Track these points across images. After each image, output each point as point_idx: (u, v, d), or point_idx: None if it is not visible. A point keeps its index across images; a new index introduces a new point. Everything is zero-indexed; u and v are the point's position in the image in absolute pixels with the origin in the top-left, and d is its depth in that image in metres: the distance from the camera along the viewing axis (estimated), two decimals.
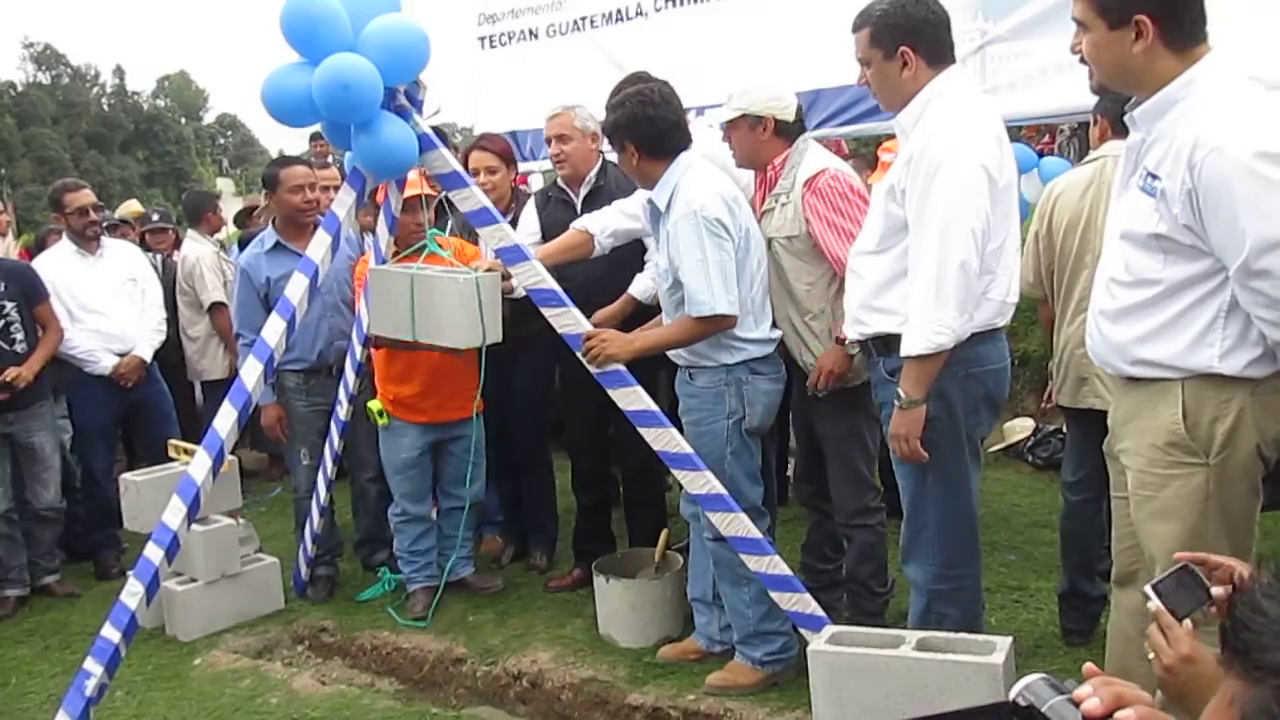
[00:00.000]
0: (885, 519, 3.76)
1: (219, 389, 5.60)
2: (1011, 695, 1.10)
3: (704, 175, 3.41)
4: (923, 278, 2.72)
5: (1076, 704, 1.07)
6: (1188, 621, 1.59)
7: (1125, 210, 2.33)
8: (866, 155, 5.98)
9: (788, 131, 3.57)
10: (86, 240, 5.32)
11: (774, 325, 3.53)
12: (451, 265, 3.89)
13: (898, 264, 2.86)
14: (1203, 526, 2.26)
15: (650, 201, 3.47)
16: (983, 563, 4.07)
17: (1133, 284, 2.29)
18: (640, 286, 4.05)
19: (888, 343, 2.92)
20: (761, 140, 3.55)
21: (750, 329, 3.42)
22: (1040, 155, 7.53)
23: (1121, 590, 2.67)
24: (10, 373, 4.73)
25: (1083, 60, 2.41)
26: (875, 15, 2.84)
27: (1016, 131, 7.10)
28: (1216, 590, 1.61)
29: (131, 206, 7.29)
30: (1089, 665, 1.24)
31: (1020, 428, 6.11)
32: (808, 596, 3.31)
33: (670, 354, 3.54)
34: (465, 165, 4.55)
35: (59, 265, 5.30)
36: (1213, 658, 1.46)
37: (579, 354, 3.42)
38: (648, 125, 3.39)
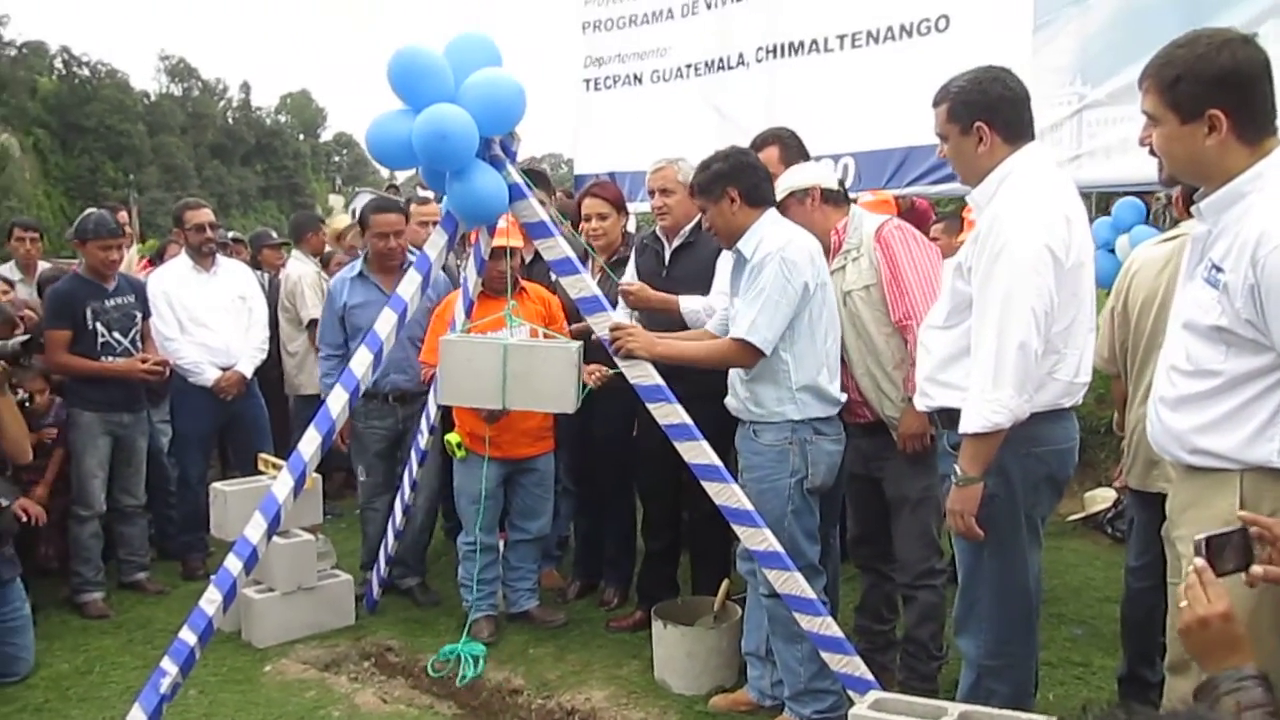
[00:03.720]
0: (947, 582, 3.75)
1: (311, 403, 5.85)
2: None
3: (789, 228, 3.54)
4: (982, 356, 2.74)
5: None
6: None
7: (1189, 300, 2.33)
8: (952, 216, 5.96)
9: (835, 198, 3.75)
10: (202, 256, 5.64)
11: (842, 388, 3.58)
12: (534, 334, 4.07)
13: (963, 340, 2.87)
14: (1256, 618, 2.23)
15: (737, 250, 3.56)
16: (1047, 636, 4.05)
17: (1194, 374, 2.29)
18: (691, 303, 4.14)
19: (951, 417, 2.93)
20: (813, 211, 3.71)
21: (825, 382, 3.48)
22: (1149, 213, 7.30)
23: (1175, 678, 2.62)
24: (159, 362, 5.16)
25: (1152, 152, 2.42)
26: (953, 91, 2.89)
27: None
28: (1256, 569, 1.65)
29: (336, 223, 7.64)
30: None
31: (1102, 498, 5.99)
32: (857, 659, 3.32)
33: (735, 409, 3.60)
34: (578, 208, 4.76)
35: (175, 278, 5.62)
36: (1244, 618, 1.54)
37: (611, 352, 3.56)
38: (751, 173, 3.56)
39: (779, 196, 3.71)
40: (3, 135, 59.82)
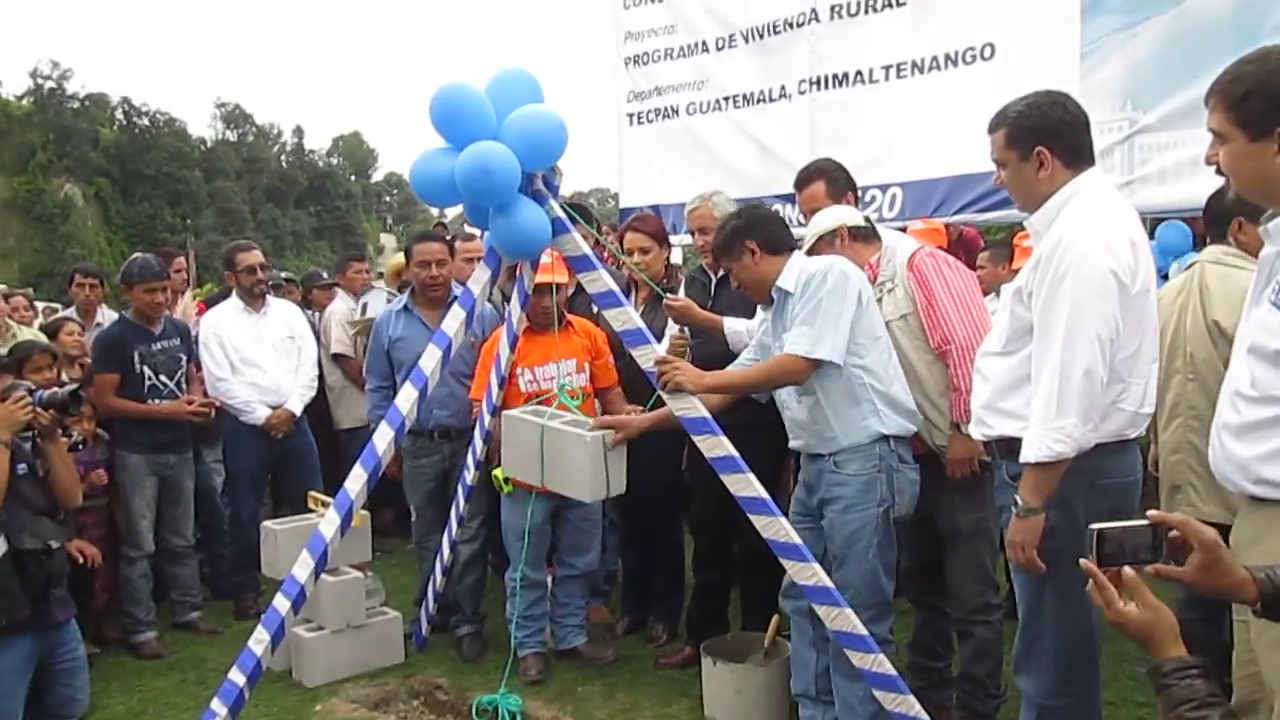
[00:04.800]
0: (1004, 618, 3.66)
1: (353, 436, 5.92)
2: None
3: (826, 256, 3.55)
4: (1045, 384, 2.67)
5: None
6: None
7: (1255, 323, 2.26)
8: (1000, 245, 5.87)
9: (863, 235, 3.73)
10: (253, 297, 5.73)
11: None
12: (578, 416, 4.05)
13: (1023, 367, 2.80)
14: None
15: (777, 289, 3.54)
16: (1109, 674, 3.92)
17: (1259, 400, 2.21)
18: (735, 324, 4.13)
19: (1011, 446, 2.85)
20: (843, 250, 3.69)
21: (900, 392, 3.44)
22: (1196, 238, 7.16)
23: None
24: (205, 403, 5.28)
25: (1219, 171, 2.35)
26: (1011, 116, 2.84)
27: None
28: (1129, 571, 1.68)
29: (394, 262, 7.85)
30: None
31: None
32: (911, 699, 3.23)
33: (809, 446, 3.54)
34: (621, 242, 4.79)
35: (226, 320, 5.71)
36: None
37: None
38: (766, 223, 3.62)
39: (808, 245, 3.73)
40: (67, 186, 61.78)
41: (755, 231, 3.57)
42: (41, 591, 3.85)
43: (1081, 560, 1.68)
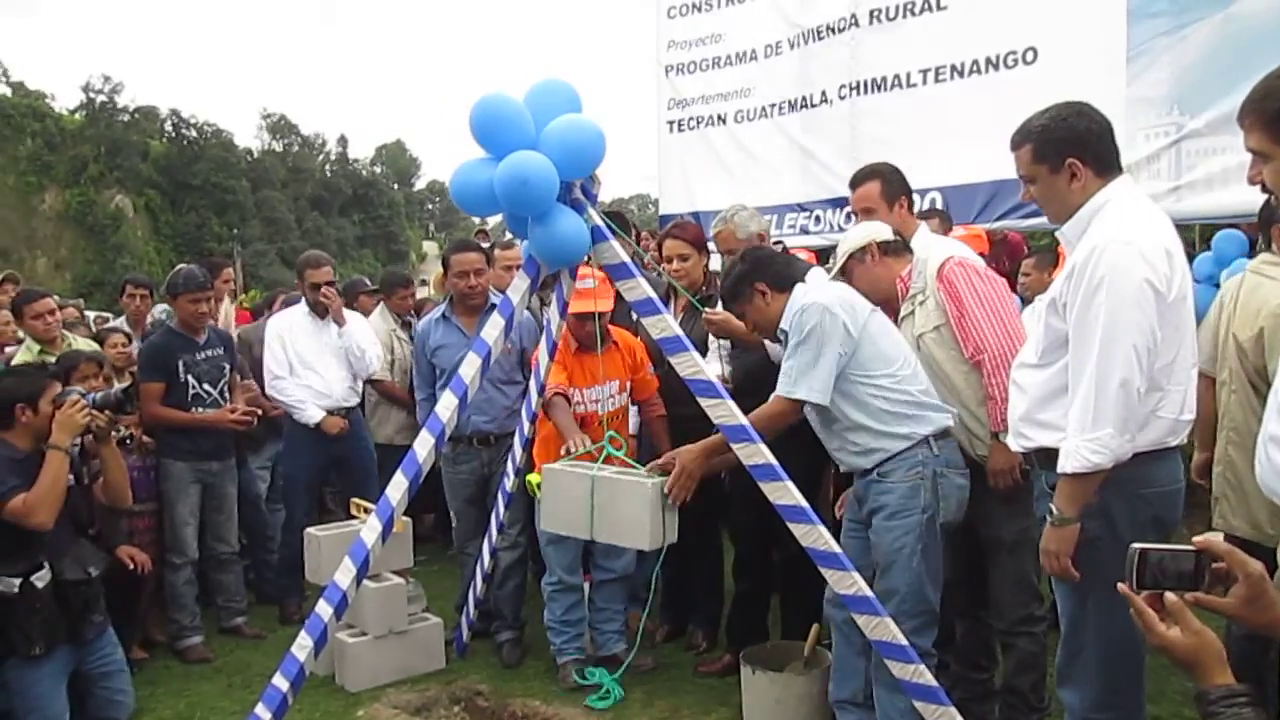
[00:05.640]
0: (1048, 629, 3.61)
1: (384, 453, 5.96)
2: None
3: (813, 287, 3.60)
4: (1082, 394, 2.63)
5: None
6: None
7: None
8: (1045, 251, 5.81)
9: (893, 249, 3.71)
10: (317, 309, 5.81)
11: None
12: (625, 465, 4.00)
13: (1059, 378, 2.77)
14: None
15: (781, 330, 3.58)
16: (1156, 688, 3.85)
17: None
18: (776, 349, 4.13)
19: (1050, 456, 2.82)
20: (875, 266, 3.69)
21: (920, 392, 3.43)
22: (1253, 245, 7.03)
23: None
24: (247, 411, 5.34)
25: (1264, 189, 2.31)
26: (1035, 131, 2.81)
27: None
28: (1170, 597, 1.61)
29: (440, 272, 7.88)
30: None
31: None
32: (953, 710, 3.20)
33: (854, 465, 3.53)
34: (660, 249, 4.81)
35: (291, 323, 5.83)
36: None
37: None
38: (770, 262, 3.71)
39: (840, 262, 3.72)
40: (117, 197, 63.09)
41: (762, 273, 3.63)
42: (79, 616, 3.91)
43: (1119, 585, 1.64)
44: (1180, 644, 1.60)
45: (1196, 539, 1.67)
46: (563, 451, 4.12)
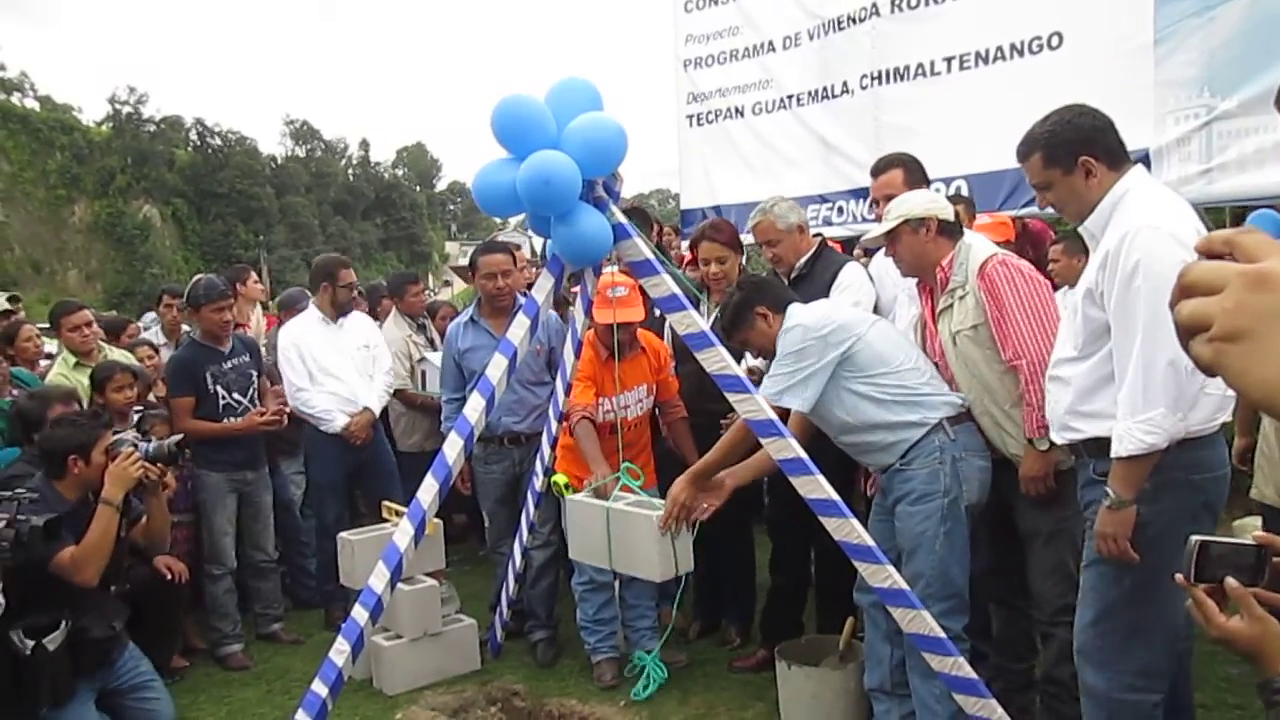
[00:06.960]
0: None
1: (413, 460, 5.96)
2: None
3: (810, 306, 3.67)
4: (1130, 378, 2.63)
5: None
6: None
7: None
8: (1071, 236, 5.73)
9: (950, 231, 3.59)
10: (342, 310, 5.78)
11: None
12: (641, 496, 4.05)
13: (1103, 367, 2.76)
14: None
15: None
16: (1200, 675, 3.80)
17: None
18: None
19: (1100, 445, 2.81)
20: (927, 242, 3.57)
21: (925, 386, 3.47)
22: None
23: None
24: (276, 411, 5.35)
25: None
26: (1042, 138, 2.82)
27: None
28: (1231, 582, 1.55)
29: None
30: None
31: (1251, 525, 5.64)
32: (993, 702, 3.17)
33: (877, 463, 3.57)
34: (693, 251, 4.82)
35: (305, 331, 5.75)
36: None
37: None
38: (768, 286, 3.81)
39: (892, 225, 3.59)
40: (145, 207, 63.79)
41: (762, 297, 3.70)
42: (93, 668, 3.82)
43: (1176, 576, 1.61)
44: (1244, 634, 1.56)
45: (1257, 534, 1.65)
46: (587, 482, 4.19)
